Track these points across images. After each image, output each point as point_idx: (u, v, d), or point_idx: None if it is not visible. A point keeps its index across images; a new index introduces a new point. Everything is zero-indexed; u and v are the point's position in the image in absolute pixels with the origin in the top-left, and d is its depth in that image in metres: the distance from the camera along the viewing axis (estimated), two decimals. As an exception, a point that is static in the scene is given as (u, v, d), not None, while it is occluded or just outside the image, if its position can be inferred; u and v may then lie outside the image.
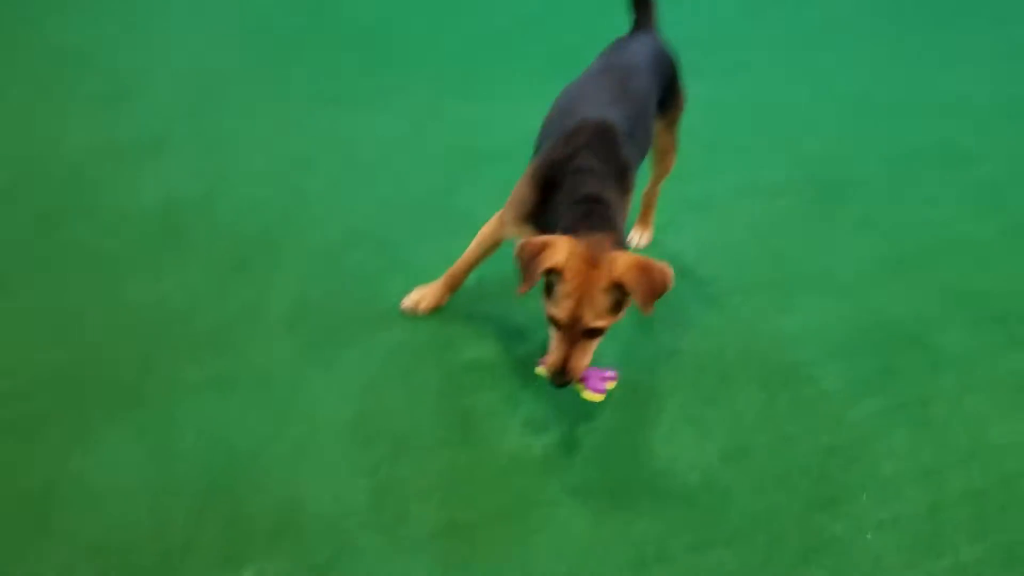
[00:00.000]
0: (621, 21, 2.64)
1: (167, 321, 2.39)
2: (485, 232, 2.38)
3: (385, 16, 4.89)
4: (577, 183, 2.06)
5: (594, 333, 1.97)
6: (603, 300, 1.92)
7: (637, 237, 2.99)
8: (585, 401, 2.26)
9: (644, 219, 3.01)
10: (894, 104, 4.45)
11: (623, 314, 1.99)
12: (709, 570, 1.88)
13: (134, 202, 2.88)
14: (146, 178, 3.02)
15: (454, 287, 2.51)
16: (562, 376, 2.00)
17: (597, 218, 2.03)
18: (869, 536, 2.00)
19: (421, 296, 2.51)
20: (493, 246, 2.39)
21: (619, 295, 1.94)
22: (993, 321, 2.76)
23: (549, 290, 1.99)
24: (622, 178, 2.14)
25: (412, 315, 2.46)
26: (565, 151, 2.11)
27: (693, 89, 4.09)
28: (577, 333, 1.96)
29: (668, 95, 2.58)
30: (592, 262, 1.92)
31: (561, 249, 1.93)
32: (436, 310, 2.51)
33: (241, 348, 2.33)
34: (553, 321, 1.98)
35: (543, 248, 1.94)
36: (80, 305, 2.41)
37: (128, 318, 2.38)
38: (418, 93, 3.94)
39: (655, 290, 1.91)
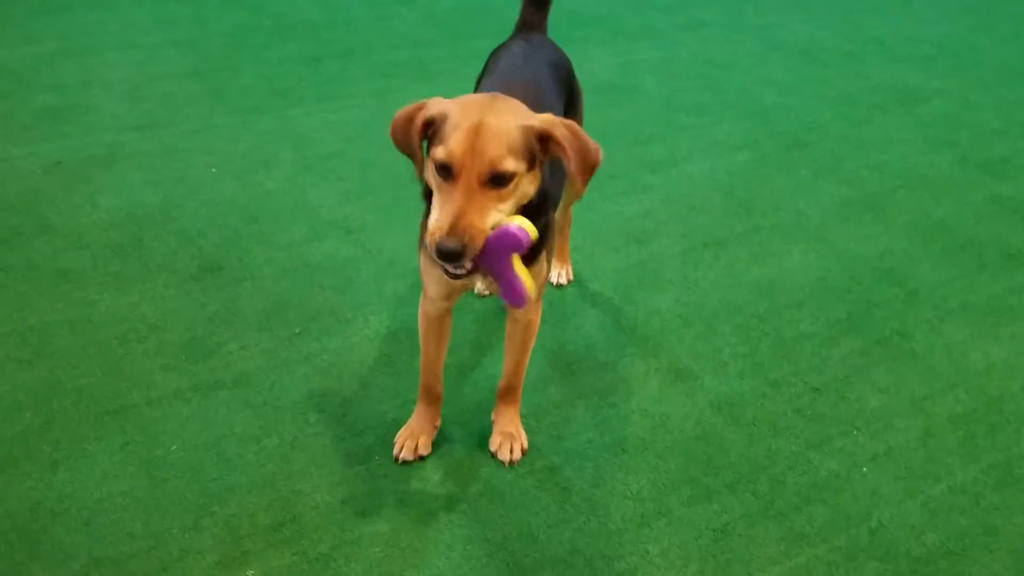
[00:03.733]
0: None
1: (139, 332, 2.33)
2: (420, 316, 1.96)
3: (326, 4, 4.82)
4: None
5: (503, 181, 1.50)
6: (514, 136, 1.50)
7: (555, 276, 2.58)
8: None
9: (559, 254, 2.56)
10: (841, 50, 4.50)
11: (538, 177, 1.59)
12: (711, 518, 1.88)
13: (92, 216, 2.81)
14: (101, 191, 2.95)
15: (433, 398, 2.04)
16: (456, 237, 1.46)
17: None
18: (865, 470, 2.02)
19: (408, 435, 2.03)
20: (440, 327, 1.96)
21: (535, 145, 1.54)
22: (960, 250, 2.81)
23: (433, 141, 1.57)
24: None
25: (414, 460, 2.01)
26: None
27: (649, 51, 4.12)
28: (477, 177, 1.49)
29: (570, 103, 2.23)
30: (493, 101, 1.57)
31: (439, 100, 1.60)
32: (435, 435, 2.06)
33: (218, 352, 2.28)
34: (441, 168, 1.51)
35: (416, 108, 1.61)
36: (48, 323, 2.34)
37: (99, 332, 2.32)
38: (367, 80, 3.89)
39: (588, 158, 1.57)
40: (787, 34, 4.69)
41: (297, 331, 2.36)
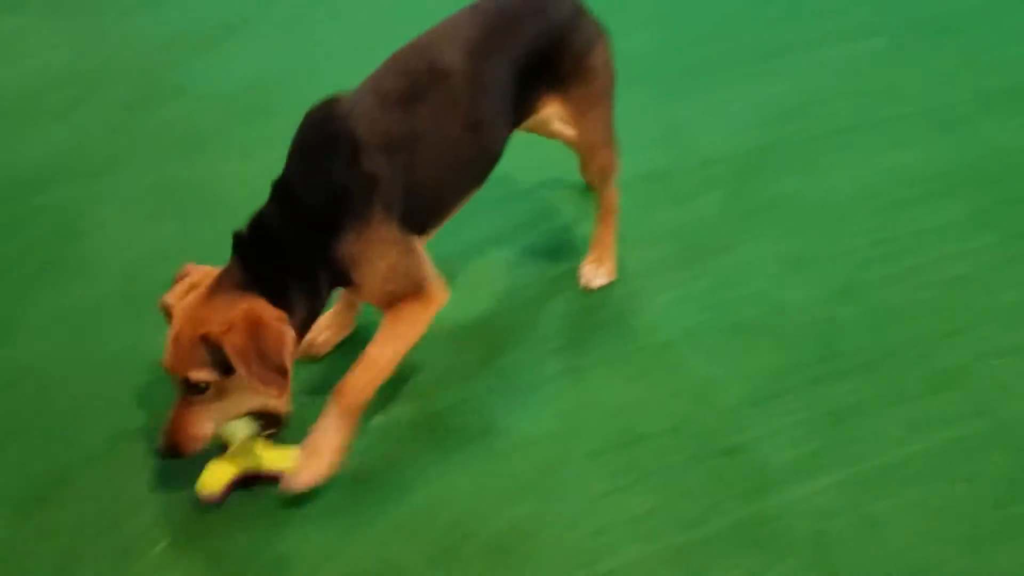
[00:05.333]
0: None
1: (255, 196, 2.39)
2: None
3: None
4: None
5: (199, 388, 1.53)
6: (197, 351, 1.50)
7: (591, 275, 2.14)
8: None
9: (599, 248, 2.15)
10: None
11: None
12: (831, 400, 1.85)
13: (219, 83, 2.88)
14: (228, 60, 3.01)
15: None
16: (167, 447, 1.56)
17: (252, 256, 1.58)
18: (994, 363, 1.93)
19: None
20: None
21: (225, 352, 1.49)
22: (1118, 142, 2.60)
23: None
24: (342, 204, 1.61)
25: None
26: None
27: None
28: (182, 386, 1.55)
29: (560, 62, 1.82)
30: (197, 307, 1.53)
31: (177, 287, 1.63)
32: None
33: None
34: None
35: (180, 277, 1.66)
36: (182, 180, 2.43)
37: (222, 192, 2.41)
38: None
39: (262, 356, 1.46)
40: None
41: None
